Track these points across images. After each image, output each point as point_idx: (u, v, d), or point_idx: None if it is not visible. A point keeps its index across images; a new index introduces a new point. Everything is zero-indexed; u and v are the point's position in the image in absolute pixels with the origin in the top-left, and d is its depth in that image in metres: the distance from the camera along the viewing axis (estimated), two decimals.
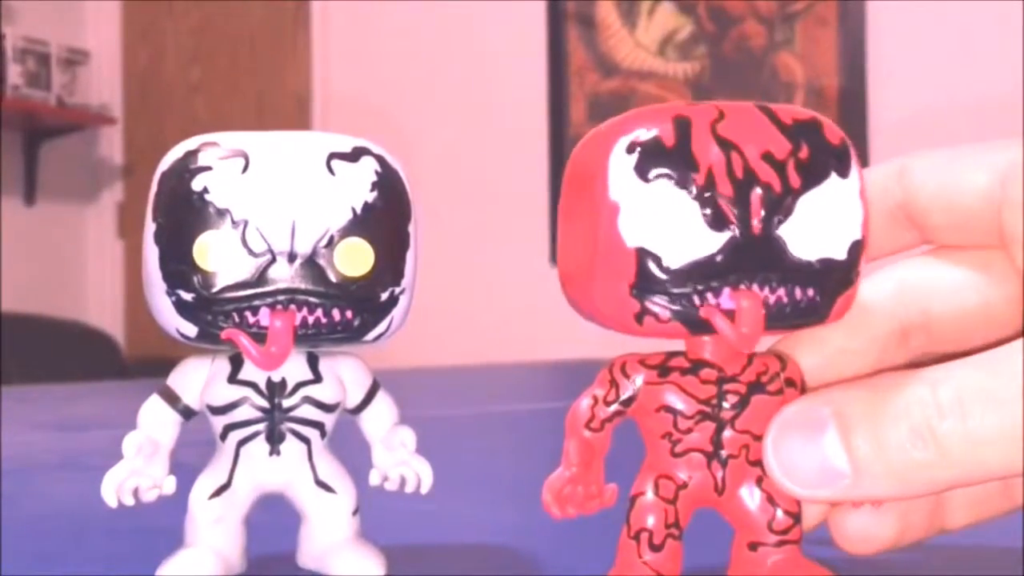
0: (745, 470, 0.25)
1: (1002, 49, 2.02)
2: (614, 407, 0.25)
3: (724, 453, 0.24)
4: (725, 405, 0.24)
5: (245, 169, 0.25)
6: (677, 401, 0.24)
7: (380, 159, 0.27)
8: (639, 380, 0.24)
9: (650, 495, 0.24)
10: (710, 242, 0.23)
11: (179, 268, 0.25)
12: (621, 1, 2.40)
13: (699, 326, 0.23)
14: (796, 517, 0.25)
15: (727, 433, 0.24)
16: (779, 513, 0.25)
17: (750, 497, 0.25)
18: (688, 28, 2.35)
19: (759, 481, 0.25)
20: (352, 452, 0.29)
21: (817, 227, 0.23)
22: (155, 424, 0.28)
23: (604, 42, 2.42)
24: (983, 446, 0.20)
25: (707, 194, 0.22)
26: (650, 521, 0.24)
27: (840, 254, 0.23)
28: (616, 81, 2.40)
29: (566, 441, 0.25)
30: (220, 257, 0.25)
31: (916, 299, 0.26)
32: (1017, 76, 1.98)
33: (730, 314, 0.23)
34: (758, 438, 0.24)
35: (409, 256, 0.27)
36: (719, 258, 0.23)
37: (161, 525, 0.29)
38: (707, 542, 0.25)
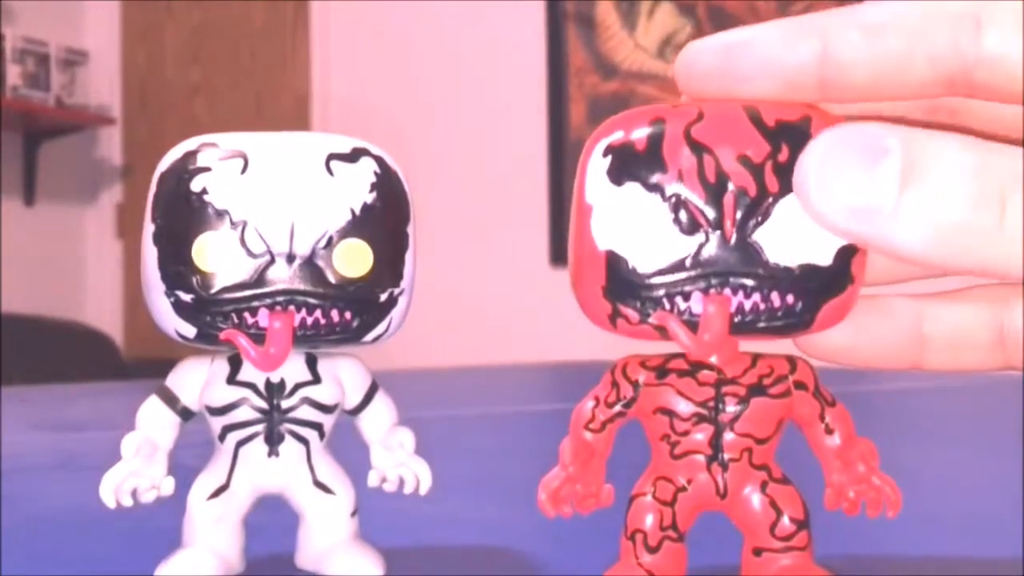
0: (748, 474, 0.24)
1: None
2: (615, 408, 0.25)
3: (725, 456, 0.24)
4: (724, 407, 0.24)
5: (244, 170, 0.26)
6: (673, 403, 0.24)
7: (379, 160, 0.27)
8: (639, 382, 0.25)
9: (648, 496, 0.25)
10: (680, 246, 0.22)
11: (178, 269, 0.25)
12: (621, 2, 2.40)
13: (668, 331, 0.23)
14: (801, 524, 0.24)
15: (727, 436, 0.24)
16: (784, 520, 0.24)
17: (754, 502, 0.25)
18: (688, 29, 2.35)
19: (763, 486, 0.24)
20: (351, 453, 0.29)
21: (799, 232, 0.22)
22: (154, 425, 0.28)
23: (604, 43, 2.42)
24: None
25: (677, 198, 0.22)
26: (646, 522, 0.24)
27: (825, 260, 0.23)
28: (616, 83, 2.40)
29: (563, 441, 0.25)
30: (219, 258, 0.25)
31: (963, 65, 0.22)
32: None
33: (677, 322, 0.23)
34: (760, 441, 0.24)
35: (408, 257, 0.27)
36: (689, 262, 0.22)
37: (160, 526, 0.29)
38: (725, 544, 0.25)
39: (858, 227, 0.20)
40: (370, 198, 0.26)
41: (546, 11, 2.46)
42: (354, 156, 0.26)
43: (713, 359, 0.24)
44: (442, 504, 0.32)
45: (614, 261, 0.23)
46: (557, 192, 2.42)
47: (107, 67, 3.04)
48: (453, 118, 2.53)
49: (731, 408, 0.24)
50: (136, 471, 0.27)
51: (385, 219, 0.26)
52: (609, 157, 0.23)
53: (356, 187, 0.26)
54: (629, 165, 0.23)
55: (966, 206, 0.19)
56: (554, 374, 1.29)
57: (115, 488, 0.27)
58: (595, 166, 0.23)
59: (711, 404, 0.24)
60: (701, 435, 0.24)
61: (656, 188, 0.22)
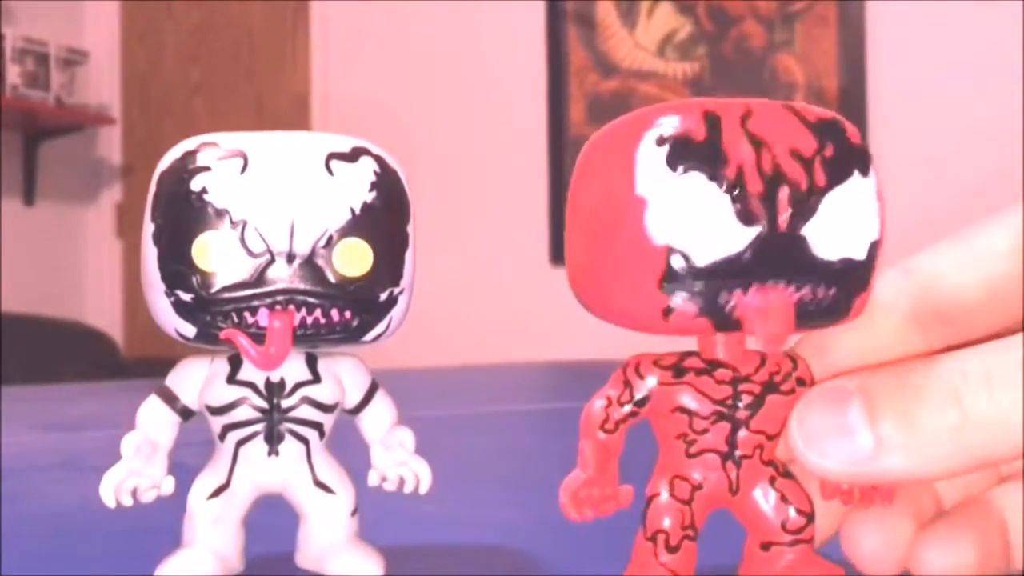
0: (759, 470, 0.25)
1: (1002, 49, 2.02)
2: (628, 408, 0.24)
3: (738, 453, 0.24)
4: (740, 405, 0.24)
5: (244, 169, 0.25)
6: (693, 402, 0.24)
7: (379, 159, 0.27)
8: (652, 381, 0.24)
9: (665, 496, 0.24)
10: (738, 238, 0.22)
11: (178, 268, 0.25)
12: (620, 1, 2.40)
13: (726, 323, 0.23)
14: (809, 517, 0.25)
15: (742, 433, 0.24)
16: (792, 512, 0.25)
17: (764, 497, 0.25)
18: (687, 28, 2.35)
19: (772, 481, 0.25)
20: (351, 452, 0.29)
21: (839, 227, 0.23)
22: (154, 424, 0.28)
23: (603, 42, 2.42)
24: (1006, 413, 0.21)
25: (737, 190, 0.22)
26: (666, 522, 0.24)
27: (860, 254, 0.23)
28: (615, 81, 2.40)
29: (581, 443, 0.24)
30: (219, 257, 0.25)
31: (923, 285, 0.26)
32: (1017, 76, 1.98)
33: (757, 312, 0.23)
34: (771, 438, 0.24)
35: (408, 256, 0.27)
36: (747, 255, 0.22)
37: (160, 525, 0.29)
38: (718, 542, 0.26)
39: (852, 467, 0.22)
40: (370, 197, 0.26)
41: (546, 11, 2.45)
42: (354, 155, 0.26)
43: (720, 354, 0.24)
44: (442, 503, 0.32)
45: (673, 254, 0.22)
46: (557, 191, 2.42)
47: (107, 67, 3.04)
48: (453, 117, 2.53)
49: (748, 406, 0.24)
50: (136, 470, 0.27)
51: (385, 218, 0.26)
52: (665, 147, 0.22)
53: (356, 186, 0.26)
54: (689, 154, 0.22)
55: (927, 414, 0.21)
56: (554, 373, 1.29)
57: (115, 487, 0.27)
58: (647, 157, 0.22)
59: (728, 402, 0.24)
60: (718, 433, 0.24)
61: (717, 178, 0.22)
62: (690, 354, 0.24)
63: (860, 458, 0.22)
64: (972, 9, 2.06)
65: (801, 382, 0.25)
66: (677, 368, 0.24)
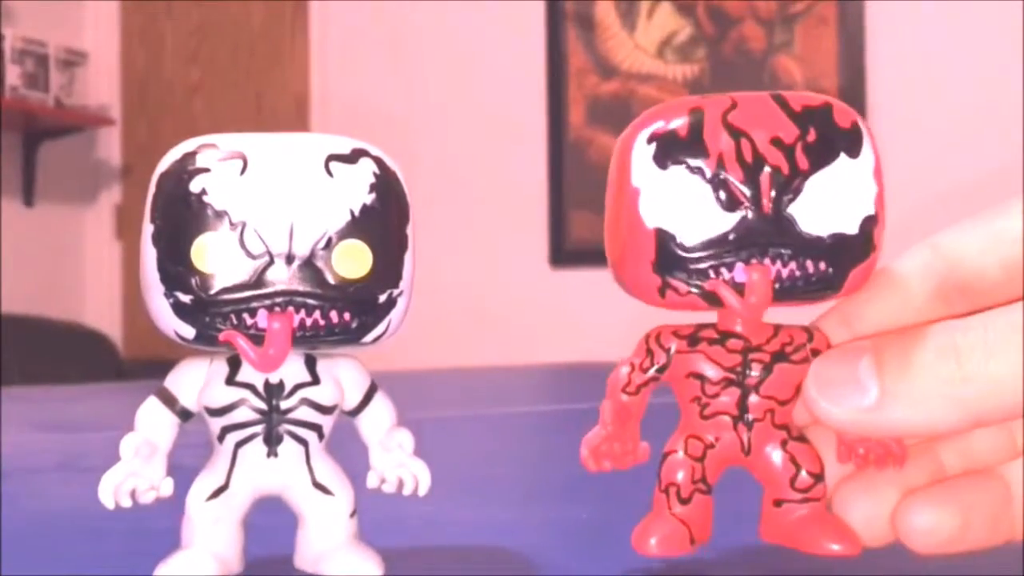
0: (770, 432, 0.27)
1: (1001, 49, 2.02)
2: (649, 373, 0.27)
3: (750, 416, 0.26)
4: (750, 372, 0.26)
5: (243, 171, 0.26)
6: (705, 368, 0.26)
7: (378, 161, 0.27)
8: (672, 349, 0.27)
9: (680, 453, 0.27)
10: (723, 221, 0.24)
11: (177, 270, 0.25)
12: (620, 2, 2.40)
13: (715, 298, 0.25)
14: (818, 477, 0.27)
15: (752, 398, 0.26)
16: (802, 473, 0.27)
17: (775, 457, 0.27)
18: (687, 30, 2.35)
19: (783, 443, 0.27)
20: (350, 454, 0.29)
21: (827, 205, 0.25)
22: (153, 426, 0.28)
23: (603, 44, 2.42)
24: (1001, 371, 0.22)
25: (719, 178, 0.24)
26: (679, 476, 0.26)
27: (852, 229, 0.25)
28: (615, 83, 2.40)
29: (604, 403, 0.27)
30: (218, 259, 0.25)
31: (948, 262, 0.27)
32: (1017, 76, 1.98)
33: (743, 287, 0.25)
34: (782, 403, 0.26)
35: (407, 258, 0.27)
36: (731, 236, 0.25)
37: (159, 527, 0.29)
38: (744, 498, 0.27)
39: (855, 414, 0.24)
40: (369, 199, 0.26)
41: (546, 11, 2.46)
42: (353, 157, 0.26)
43: (738, 327, 0.26)
44: (441, 505, 0.32)
45: (662, 238, 0.25)
46: (557, 192, 2.42)
47: (106, 67, 3.03)
48: (453, 118, 2.53)
49: (757, 373, 0.26)
50: (135, 472, 0.27)
51: (384, 220, 0.26)
52: (654, 144, 0.25)
53: (355, 188, 0.26)
54: (673, 150, 0.25)
55: (927, 366, 0.23)
56: (553, 375, 1.29)
57: (114, 489, 0.27)
58: (640, 153, 0.25)
59: (739, 369, 0.26)
60: (729, 398, 0.26)
61: (699, 170, 0.25)
62: (706, 325, 0.27)
63: (866, 408, 0.23)
64: (972, 9, 2.06)
65: (816, 353, 0.26)
66: (692, 338, 0.26)
